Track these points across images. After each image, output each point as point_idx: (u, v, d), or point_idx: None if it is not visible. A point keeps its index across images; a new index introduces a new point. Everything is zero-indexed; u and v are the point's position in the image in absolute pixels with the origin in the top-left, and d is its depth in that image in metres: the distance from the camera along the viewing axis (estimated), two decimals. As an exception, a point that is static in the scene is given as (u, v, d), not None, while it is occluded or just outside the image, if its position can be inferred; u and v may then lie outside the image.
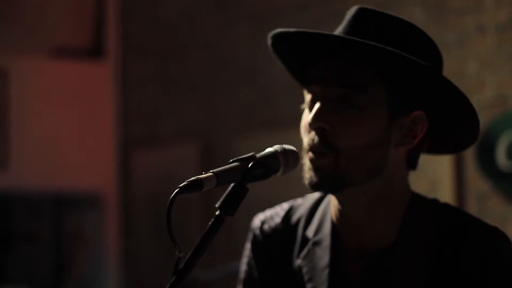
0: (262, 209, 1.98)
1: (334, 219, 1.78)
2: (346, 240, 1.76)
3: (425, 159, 1.88)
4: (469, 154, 4.21)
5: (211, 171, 1.46)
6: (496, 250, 1.67)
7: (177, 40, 5.93)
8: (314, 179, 1.68)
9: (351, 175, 1.67)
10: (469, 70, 4.27)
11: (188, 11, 5.87)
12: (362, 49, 1.64)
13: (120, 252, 6.15)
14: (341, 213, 1.76)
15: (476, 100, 4.15)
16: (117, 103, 6.29)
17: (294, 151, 1.57)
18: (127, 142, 6.22)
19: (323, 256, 1.76)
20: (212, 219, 1.47)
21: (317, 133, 1.68)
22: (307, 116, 1.73)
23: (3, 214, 5.96)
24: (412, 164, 1.76)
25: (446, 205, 1.78)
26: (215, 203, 1.48)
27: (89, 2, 6.25)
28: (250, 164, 1.50)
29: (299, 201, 1.89)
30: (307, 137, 1.71)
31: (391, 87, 1.68)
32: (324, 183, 1.69)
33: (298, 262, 1.79)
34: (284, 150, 1.54)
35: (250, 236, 1.89)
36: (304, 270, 1.77)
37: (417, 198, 1.76)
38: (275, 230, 1.85)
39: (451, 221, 1.73)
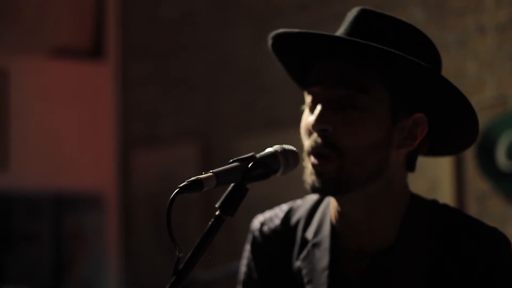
0: (262, 209, 1.98)
1: (334, 220, 1.78)
2: (346, 241, 1.76)
3: (425, 159, 1.88)
4: (469, 154, 4.21)
5: (211, 171, 1.46)
6: (495, 251, 1.67)
7: (177, 40, 5.93)
8: (317, 184, 1.68)
9: (355, 178, 1.67)
10: (469, 70, 4.27)
11: (188, 11, 5.87)
12: (365, 50, 1.64)
13: (120, 252, 6.15)
14: (341, 214, 1.76)
15: (476, 100, 4.15)
16: (117, 103, 6.29)
17: (294, 151, 1.57)
18: (127, 142, 6.22)
19: (323, 257, 1.76)
20: (212, 219, 1.47)
21: (319, 135, 1.68)
22: (307, 118, 1.72)
23: (3, 214, 5.96)
24: (411, 166, 1.76)
25: (445, 206, 1.78)
26: (215, 203, 1.48)
27: (89, 2, 6.25)
28: (250, 164, 1.50)
29: (298, 202, 1.89)
30: (308, 139, 1.71)
31: (393, 88, 1.69)
32: (326, 188, 1.69)
33: (297, 263, 1.79)
34: (284, 150, 1.55)
35: (249, 237, 1.88)
36: (304, 271, 1.77)
37: (416, 199, 1.77)
38: (275, 231, 1.85)
39: (450, 222, 1.73)
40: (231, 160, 1.50)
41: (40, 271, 5.95)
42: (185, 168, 5.61)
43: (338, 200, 1.75)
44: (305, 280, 1.76)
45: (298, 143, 1.72)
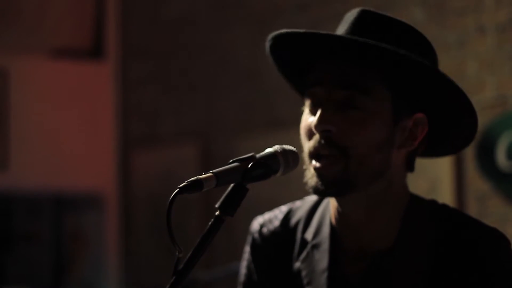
0: (262, 209, 1.98)
1: (333, 220, 1.78)
2: (346, 242, 1.76)
3: (425, 159, 1.88)
4: (469, 155, 4.21)
5: (211, 171, 1.45)
6: (495, 251, 1.67)
7: (177, 40, 5.93)
8: (320, 186, 1.68)
9: (359, 178, 1.67)
10: (469, 70, 4.27)
11: (188, 11, 5.87)
12: (368, 49, 1.64)
13: (120, 252, 6.15)
14: (341, 214, 1.76)
15: (476, 100, 4.14)
16: (117, 103, 6.29)
17: (294, 151, 1.56)
18: (127, 142, 6.22)
19: (322, 259, 1.76)
20: (212, 220, 1.47)
21: (322, 136, 1.68)
22: (307, 119, 1.72)
23: (3, 214, 5.96)
24: (410, 166, 1.76)
25: (444, 206, 1.78)
26: (215, 203, 1.48)
27: (89, 2, 6.25)
28: (250, 165, 1.50)
29: (297, 203, 1.89)
30: (309, 141, 1.70)
31: (394, 88, 1.69)
32: (329, 190, 1.68)
33: (297, 265, 1.79)
34: (284, 150, 1.54)
35: (249, 239, 1.88)
36: (303, 273, 1.77)
37: (416, 200, 1.77)
38: (274, 233, 1.85)
39: (450, 222, 1.73)
40: (231, 160, 1.50)
41: (40, 271, 5.95)
42: (185, 168, 5.61)
43: (338, 200, 1.75)
44: (305, 281, 1.76)
45: (298, 144, 1.72)
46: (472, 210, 4.17)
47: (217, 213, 1.48)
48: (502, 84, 4.19)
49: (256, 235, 1.87)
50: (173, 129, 5.90)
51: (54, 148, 6.03)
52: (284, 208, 1.89)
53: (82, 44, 6.23)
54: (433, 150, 1.81)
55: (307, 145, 1.70)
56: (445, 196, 4.20)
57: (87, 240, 6.15)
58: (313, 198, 1.86)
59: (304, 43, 1.74)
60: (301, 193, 1.88)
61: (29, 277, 5.85)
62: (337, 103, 1.68)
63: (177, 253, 1.42)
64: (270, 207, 1.95)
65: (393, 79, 1.68)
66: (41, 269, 5.96)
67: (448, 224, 1.72)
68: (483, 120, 4.12)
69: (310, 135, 1.70)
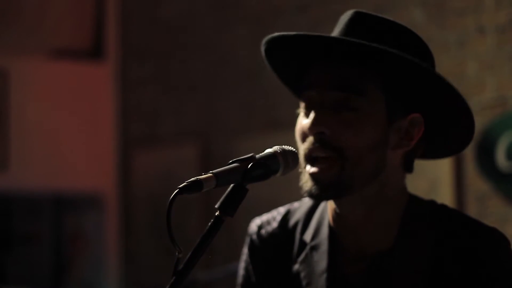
0: (262, 210, 1.98)
1: (332, 222, 1.78)
2: (345, 243, 1.76)
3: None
4: (469, 155, 4.21)
5: (210, 171, 1.46)
6: (494, 251, 1.67)
7: (177, 40, 5.93)
8: (315, 191, 1.68)
9: (355, 181, 1.67)
10: (469, 70, 4.27)
11: (188, 11, 5.87)
12: (362, 50, 1.64)
13: (120, 252, 6.15)
14: (339, 216, 1.76)
15: (476, 101, 4.15)
16: (117, 104, 6.29)
17: (294, 152, 1.56)
18: (127, 142, 6.22)
19: (321, 260, 1.75)
20: (212, 220, 1.47)
21: (316, 138, 1.68)
22: (302, 122, 1.72)
23: (3, 215, 5.96)
24: (408, 167, 1.76)
25: (443, 206, 1.78)
26: (215, 203, 1.48)
27: (89, 3, 6.25)
28: (249, 165, 1.50)
29: (295, 205, 1.88)
30: (304, 143, 1.70)
31: (389, 89, 1.69)
32: (324, 194, 1.68)
33: (296, 266, 1.79)
34: (284, 151, 1.54)
35: (247, 241, 1.88)
36: (302, 274, 1.77)
37: (415, 200, 1.76)
38: (272, 234, 1.85)
39: (449, 222, 1.73)
40: (230, 161, 1.50)
41: (40, 271, 5.95)
42: (185, 169, 5.61)
43: (336, 202, 1.74)
44: (304, 283, 1.76)
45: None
46: (472, 210, 4.17)
47: (217, 213, 1.48)
48: (502, 84, 4.19)
49: (254, 237, 1.87)
50: (173, 129, 5.90)
51: (54, 148, 6.03)
52: (282, 210, 1.89)
53: (82, 45, 6.23)
54: (431, 151, 1.81)
55: (302, 148, 1.70)
56: (445, 196, 4.20)
57: (87, 240, 6.15)
58: (311, 199, 1.85)
59: (296, 46, 1.74)
60: (301, 194, 1.88)
61: (29, 277, 5.85)
62: (331, 105, 1.68)
63: (177, 253, 1.42)
64: (269, 208, 1.95)
65: (387, 79, 1.68)
66: (41, 269, 5.96)
67: (448, 225, 1.72)
68: (483, 120, 4.12)
69: (304, 138, 1.70)
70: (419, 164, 1.80)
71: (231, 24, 5.54)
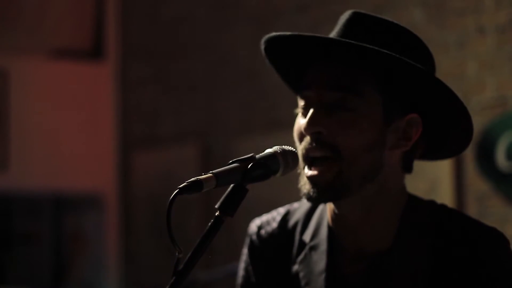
0: (262, 210, 1.98)
1: (331, 222, 1.78)
2: (344, 243, 1.76)
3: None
4: (469, 155, 4.21)
5: (210, 172, 1.46)
6: (494, 251, 1.67)
7: (177, 40, 5.93)
8: (313, 194, 1.68)
9: (352, 182, 1.67)
10: (469, 71, 4.27)
11: (188, 11, 5.88)
12: (359, 52, 1.64)
13: (120, 252, 6.15)
14: (337, 216, 1.76)
15: (476, 101, 4.15)
16: (117, 104, 6.29)
17: (294, 152, 1.57)
18: (127, 142, 6.23)
19: (320, 260, 1.75)
20: (212, 220, 1.48)
21: (313, 138, 1.68)
22: (300, 122, 1.72)
23: (3, 215, 5.96)
24: (407, 167, 1.76)
25: (443, 206, 1.78)
26: (215, 203, 1.48)
27: (89, 3, 6.25)
28: (249, 165, 1.50)
29: (295, 205, 1.89)
30: (301, 143, 1.70)
31: (386, 89, 1.69)
32: (323, 197, 1.69)
33: (295, 267, 1.79)
34: (284, 151, 1.55)
35: (247, 241, 1.88)
36: (301, 274, 1.77)
37: (414, 200, 1.76)
38: (272, 235, 1.85)
39: (449, 222, 1.73)
40: (230, 161, 1.50)
41: (40, 271, 5.95)
42: (185, 169, 5.61)
43: (334, 202, 1.74)
44: (303, 283, 1.76)
45: (298, 144, 1.72)
46: (472, 210, 4.17)
47: (217, 213, 1.48)
48: (502, 84, 4.19)
49: (254, 237, 1.87)
50: (173, 129, 5.90)
51: (54, 148, 6.03)
52: (281, 210, 1.89)
53: (82, 45, 6.23)
54: (430, 153, 1.81)
55: (299, 148, 1.70)
56: (445, 196, 4.20)
57: (87, 240, 6.16)
58: (311, 199, 1.85)
59: (294, 46, 1.74)
60: (300, 194, 1.88)
61: (29, 277, 5.85)
62: (328, 105, 1.68)
63: (177, 254, 1.42)
64: (269, 208, 1.95)
65: (383, 80, 1.68)
66: (41, 269, 5.96)
67: (447, 224, 1.72)
68: (483, 120, 4.12)
69: (301, 138, 1.70)
70: (418, 164, 1.80)
71: (231, 24, 5.54)
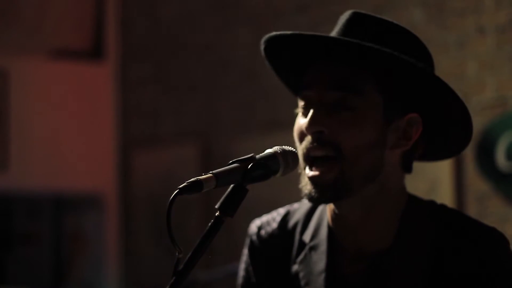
0: (262, 210, 1.98)
1: (331, 222, 1.78)
2: (344, 243, 1.76)
3: (424, 160, 1.88)
4: (469, 155, 4.21)
5: (210, 172, 1.46)
6: (494, 251, 1.67)
7: (177, 40, 5.93)
8: (314, 194, 1.68)
9: (354, 182, 1.67)
10: (469, 71, 4.27)
11: (188, 12, 5.88)
12: (359, 51, 1.64)
13: (120, 252, 6.15)
14: (337, 216, 1.76)
15: (476, 101, 4.16)
16: (117, 104, 6.29)
17: (294, 152, 1.57)
18: (127, 142, 6.23)
19: (320, 260, 1.76)
20: (212, 220, 1.48)
21: (314, 137, 1.68)
22: (300, 121, 1.72)
23: (3, 215, 5.96)
24: (407, 167, 1.76)
25: (443, 206, 1.78)
26: (215, 204, 1.48)
27: (89, 3, 6.25)
28: (249, 165, 1.50)
29: (295, 205, 1.89)
30: (302, 143, 1.70)
31: (387, 89, 1.69)
32: (324, 197, 1.69)
33: (295, 267, 1.79)
34: (284, 151, 1.55)
35: (247, 242, 1.88)
36: (301, 274, 1.77)
37: (414, 200, 1.76)
38: (272, 235, 1.85)
39: (449, 222, 1.73)
40: (230, 161, 1.50)
41: (40, 271, 5.95)
42: (185, 169, 5.61)
43: (334, 202, 1.75)
44: (302, 283, 1.76)
45: (298, 144, 1.72)
46: (472, 210, 4.17)
47: (217, 213, 1.48)
48: (502, 84, 4.19)
49: (254, 238, 1.87)
50: (173, 129, 5.90)
51: (54, 148, 6.03)
52: (282, 210, 1.89)
53: (82, 45, 6.23)
54: (430, 153, 1.81)
55: (300, 147, 1.70)
56: (445, 196, 4.20)
57: (87, 240, 6.15)
58: (311, 199, 1.85)
59: (294, 45, 1.74)
60: (301, 194, 1.88)
61: (29, 277, 5.85)
62: (329, 104, 1.68)
63: (177, 254, 1.42)
64: (270, 208, 1.95)
65: (383, 79, 1.68)
66: (41, 269, 5.96)
67: (447, 224, 1.72)
68: (483, 120, 4.12)
69: (302, 137, 1.70)
70: (419, 164, 1.80)
71: (231, 24, 5.54)
